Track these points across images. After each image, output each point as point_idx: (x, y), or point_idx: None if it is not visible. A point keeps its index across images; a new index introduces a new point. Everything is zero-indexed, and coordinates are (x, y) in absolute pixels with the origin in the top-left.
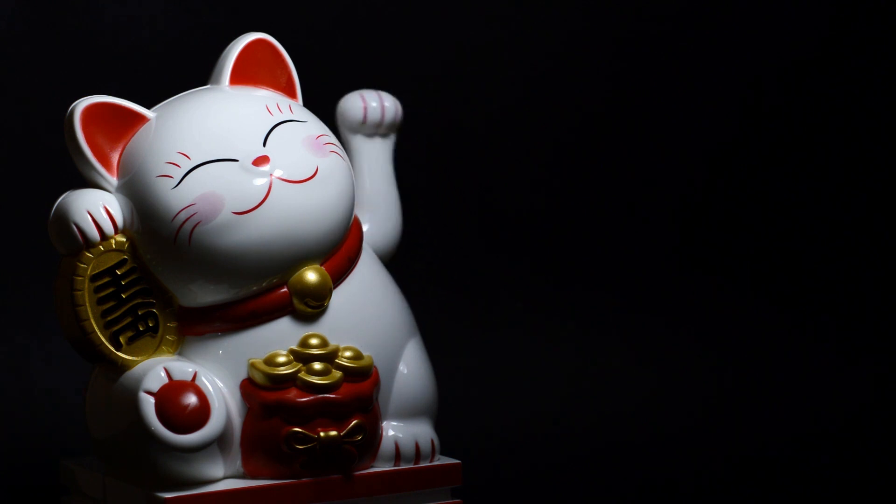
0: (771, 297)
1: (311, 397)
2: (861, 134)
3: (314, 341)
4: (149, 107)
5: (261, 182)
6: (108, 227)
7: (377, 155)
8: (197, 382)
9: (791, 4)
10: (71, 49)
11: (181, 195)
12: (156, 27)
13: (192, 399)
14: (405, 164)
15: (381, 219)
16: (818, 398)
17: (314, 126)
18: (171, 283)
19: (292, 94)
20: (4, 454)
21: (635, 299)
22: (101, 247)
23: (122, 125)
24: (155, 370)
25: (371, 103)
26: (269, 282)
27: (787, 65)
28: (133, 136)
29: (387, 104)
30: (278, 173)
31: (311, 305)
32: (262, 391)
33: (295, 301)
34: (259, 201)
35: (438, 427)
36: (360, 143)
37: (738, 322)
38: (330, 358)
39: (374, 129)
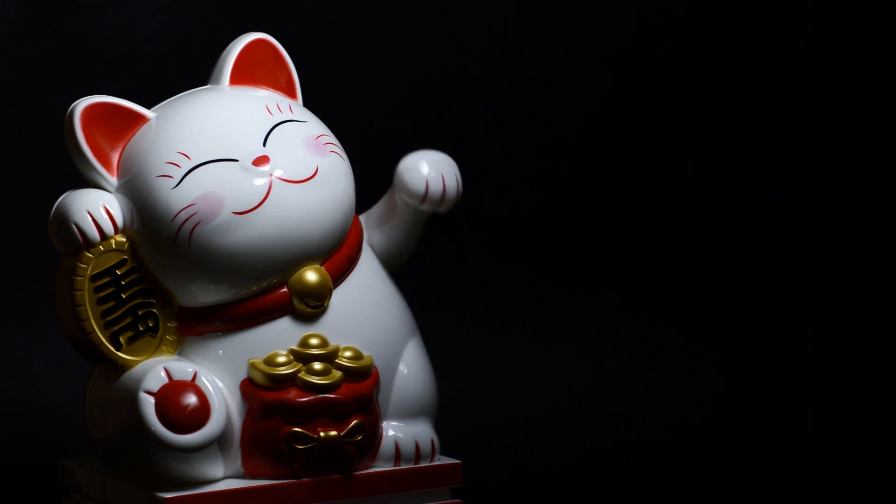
0: (770, 298)
1: (311, 397)
2: (862, 135)
3: (314, 341)
4: (149, 107)
5: (261, 182)
6: (108, 227)
7: (421, 219)
8: (197, 382)
9: (786, 5)
10: (71, 49)
11: (181, 195)
12: (156, 27)
13: (192, 399)
14: None
15: (395, 251)
16: (817, 398)
17: (314, 126)
18: (171, 283)
19: (292, 94)
20: (4, 454)
21: (635, 299)
22: (101, 247)
23: (122, 125)
24: (155, 370)
25: (434, 184)
26: (269, 282)
27: (786, 67)
28: (133, 136)
29: (448, 184)
30: (278, 173)
31: (311, 305)
32: (262, 391)
33: (295, 301)
34: (259, 201)
35: (438, 427)
36: (411, 208)
37: (737, 322)
38: (330, 358)
39: (429, 206)
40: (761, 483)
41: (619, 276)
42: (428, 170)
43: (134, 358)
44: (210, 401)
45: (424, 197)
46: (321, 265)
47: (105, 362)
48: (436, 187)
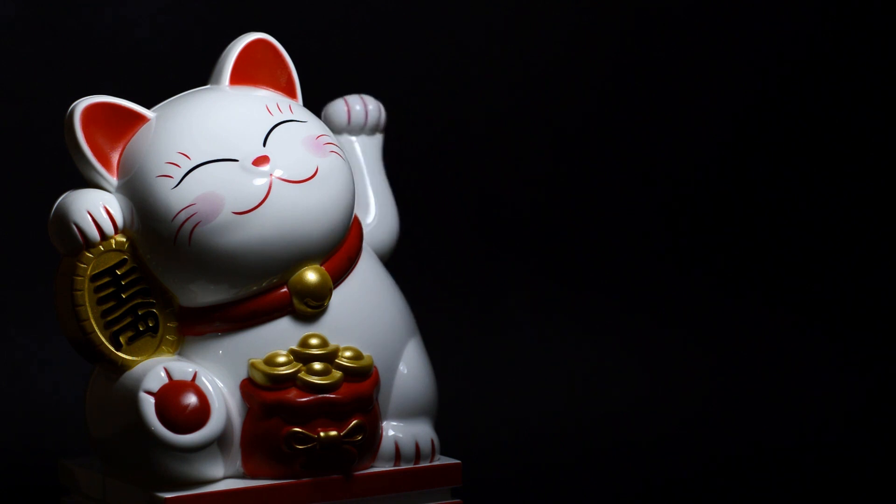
0: (770, 298)
1: (311, 397)
2: (862, 135)
3: (314, 341)
4: (149, 107)
5: (261, 182)
6: (108, 227)
7: (365, 151)
8: (197, 382)
9: (786, 5)
10: (71, 49)
11: (181, 195)
12: (156, 27)
13: (192, 399)
14: (405, 164)
15: (377, 216)
16: (816, 398)
17: (314, 126)
18: (171, 283)
19: (292, 94)
20: (4, 454)
21: (635, 299)
22: (101, 247)
23: (123, 125)
24: (155, 370)
25: (355, 107)
26: (269, 282)
27: (786, 67)
28: (133, 136)
29: (370, 107)
30: (278, 173)
31: (311, 305)
32: (262, 391)
33: (295, 301)
34: (259, 201)
35: (438, 427)
36: (347, 142)
37: (737, 323)
38: (330, 358)
39: (359, 131)
40: (761, 483)
41: (619, 276)
42: (347, 98)
43: (134, 358)
44: (210, 401)
45: (349, 118)
46: (321, 265)
47: (105, 362)
48: (357, 109)
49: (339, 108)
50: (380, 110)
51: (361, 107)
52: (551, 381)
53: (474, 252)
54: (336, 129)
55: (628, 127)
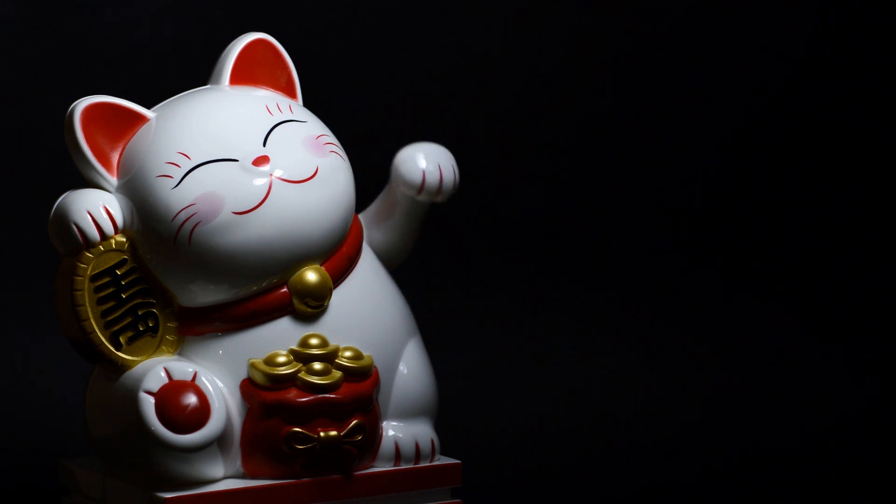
0: (772, 297)
1: (311, 397)
2: (862, 135)
3: (314, 341)
4: (149, 107)
5: (261, 182)
6: (108, 227)
7: (419, 212)
8: (197, 382)
9: (786, 6)
10: (71, 49)
11: (181, 195)
12: (156, 27)
13: (192, 399)
14: None
15: (394, 248)
16: (819, 399)
17: (314, 126)
18: (171, 283)
19: (292, 94)
20: (4, 454)
21: (636, 299)
22: (101, 247)
23: (123, 125)
24: (155, 370)
25: (429, 168)
26: (269, 282)
27: (787, 67)
28: (133, 136)
29: (445, 175)
30: (278, 173)
31: (311, 305)
32: (262, 391)
33: (295, 301)
34: (259, 201)
35: (438, 427)
36: (409, 200)
37: (739, 322)
38: (330, 358)
39: (425, 195)
40: (763, 484)
41: (619, 276)
42: (424, 159)
43: (134, 358)
44: (210, 401)
45: (421, 187)
46: (321, 265)
47: (105, 362)
48: (432, 176)
49: (413, 169)
50: (454, 177)
51: (435, 167)
52: (551, 381)
53: (474, 252)
54: (402, 186)
55: (628, 127)
